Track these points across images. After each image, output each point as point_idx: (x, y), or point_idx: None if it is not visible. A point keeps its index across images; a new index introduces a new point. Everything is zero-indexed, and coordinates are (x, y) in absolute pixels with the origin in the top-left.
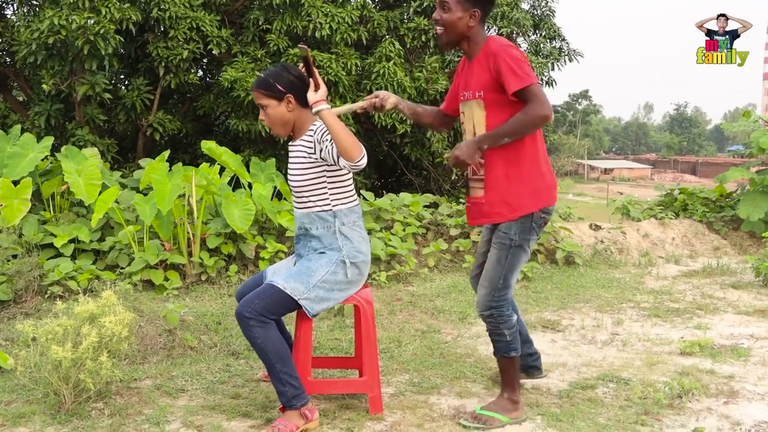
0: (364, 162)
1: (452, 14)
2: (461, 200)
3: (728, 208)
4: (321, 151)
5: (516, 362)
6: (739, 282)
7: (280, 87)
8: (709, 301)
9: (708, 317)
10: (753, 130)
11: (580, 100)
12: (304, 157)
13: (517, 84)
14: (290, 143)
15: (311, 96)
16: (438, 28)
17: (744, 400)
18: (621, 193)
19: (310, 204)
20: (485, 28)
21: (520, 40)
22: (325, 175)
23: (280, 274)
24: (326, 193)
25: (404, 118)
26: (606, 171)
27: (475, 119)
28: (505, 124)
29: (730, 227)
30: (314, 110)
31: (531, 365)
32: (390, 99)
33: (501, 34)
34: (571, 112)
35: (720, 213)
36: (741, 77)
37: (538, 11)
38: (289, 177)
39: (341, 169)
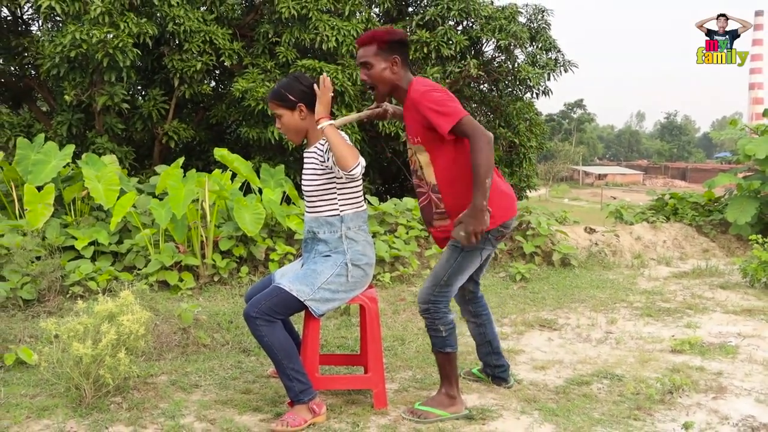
0: (357, 171)
1: (375, 69)
2: None
3: (716, 212)
4: (328, 159)
5: (452, 358)
6: (727, 283)
7: (292, 97)
8: (698, 301)
9: (697, 316)
10: (740, 137)
11: (575, 109)
12: (316, 165)
13: (448, 124)
14: (305, 150)
15: (317, 112)
16: (368, 85)
17: (732, 395)
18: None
19: (320, 209)
20: (409, 71)
21: (517, 51)
22: (335, 182)
23: (287, 277)
24: (335, 198)
25: None
26: (600, 177)
27: (421, 161)
28: (475, 174)
29: (719, 230)
30: (318, 126)
31: (498, 375)
32: (390, 108)
33: (499, 47)
34: (567, 121)
35: (709, 217)
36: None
37: (535, 24)
38: (302, 183)
39: (351, 180)
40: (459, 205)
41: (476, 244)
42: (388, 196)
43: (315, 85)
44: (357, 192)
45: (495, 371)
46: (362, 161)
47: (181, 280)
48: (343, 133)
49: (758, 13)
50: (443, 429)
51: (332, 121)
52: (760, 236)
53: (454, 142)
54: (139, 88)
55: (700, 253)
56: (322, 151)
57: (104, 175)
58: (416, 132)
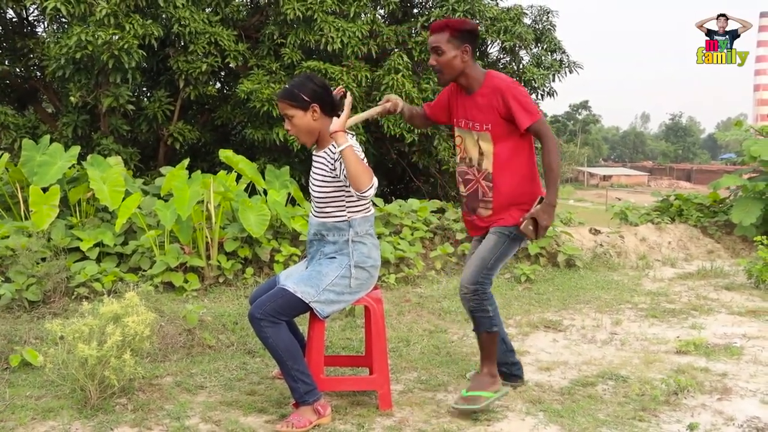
0: (371, 192)
1: (446, 56)
2: None
3: (721, 213)
4: (337, 169)
5: (496, 338)
6: (732, 284)
7: (305, 97)
8: (703, 302)
9: (702, 317)
10: (745, 138)
11: (580, 111)
12: (326, 171)
13: (529, 120)
14: (314, 152)
15: (333, 125)
16: (435, 70)
17: (737, 396)
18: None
19: (329, 214)
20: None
21: (522, 52)
22: (344, 190)
23: (292, 278)
24: (344, 204)
25: (412, 127)
26: (605, 178)
27: (483, 148)
28: (549, 172)
29: (724, 231)
30: (338, 146)
31: (515, 374)
32: (399, 102)
33: (504, 48)
34: (572, 122)
35: (714, 218)
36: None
37: (540, 26)
38: (311, 186)
39: None
40: (508, 195)
41: (541, 238)
42: (393, 198)
43: (337, 95)
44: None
45: (512, 369)
46: (375, 182)
47: (186, 281)
48: (359, 151)
49: (763, 15)
50: (448, 430)
51: (350, 139)
52: (765, 237)
53: (520, 137)
54: (145, 89)
55: (705, 254)
56: (333, 159)
57: (109, 177)
58: (488, 119)
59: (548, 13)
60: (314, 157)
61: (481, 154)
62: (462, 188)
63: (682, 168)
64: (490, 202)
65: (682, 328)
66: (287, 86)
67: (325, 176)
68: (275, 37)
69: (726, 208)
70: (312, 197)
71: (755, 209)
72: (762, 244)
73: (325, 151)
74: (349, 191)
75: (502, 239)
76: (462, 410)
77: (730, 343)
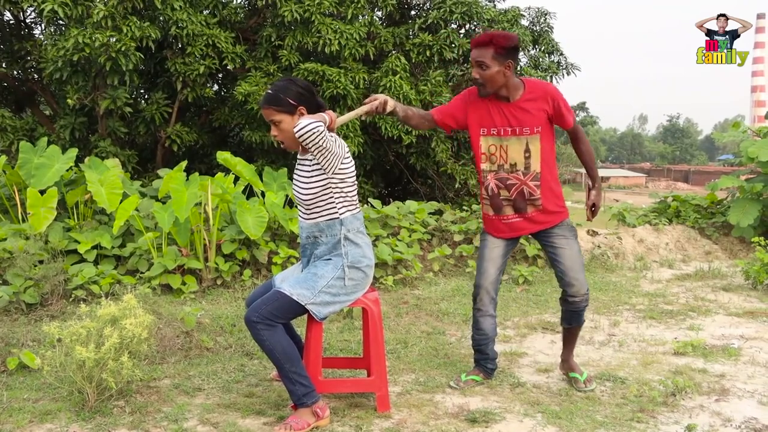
0: (305, 123)
1: (490, 70)
2: (464, 207)
3: (719, 214)
4: (315, 156)
5: None
6: (730, 285)
7: (291, 101)
8: (701, 303)
9: (700, 319)
10: (742, 140)
11: (577, 112)
12: (311, 168)
13: (573, 121)
14: (299, 156)
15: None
16: (479, 83)
17: (734, 397)
18: (617, 201)
19: (319, 213)
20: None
21: (520, 54)
22: (331, 186)
23: (288, 281)
24: (334, 201)
25: (409, 129)
26: (603, 179)
27: (531, 150)
28: (591, 161)
29: (721, 233)
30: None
31: (494, 368)
32: (389, 101)
33: None
34: None
35: (711, 219)
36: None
37: (537, 27)
38: (296, 189)
39: (344, 180)
40: (553, 189)
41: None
42: (391, 199)
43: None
44: (352, 194)
45: (495, 364)
46: (309, 123)
47: (183, 283)
48: (331, 138)
49: (760, 16)
50: (446, 431)
51: (338, 117)
52: (762, 239)
53: (551, 136)
54: (142, 91)
55: (702, 256)
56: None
57: (107, 179)
58: (539, 122)
59: (546, 15)
60: (299, 160)
61: (527, 156)
62: (505, 193)
63: (680, 169)
64: (539, 200)
65: (679, 329)
66: (270, 91)
67: (311, 174)
68: (273, 39)
69: (723, 209)
70: (299, 201)
71: (753, 210)
72: (759, 245)
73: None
74: (336, 186)
75: (574, 232)
76: (587, 391)
77: (728, 344)
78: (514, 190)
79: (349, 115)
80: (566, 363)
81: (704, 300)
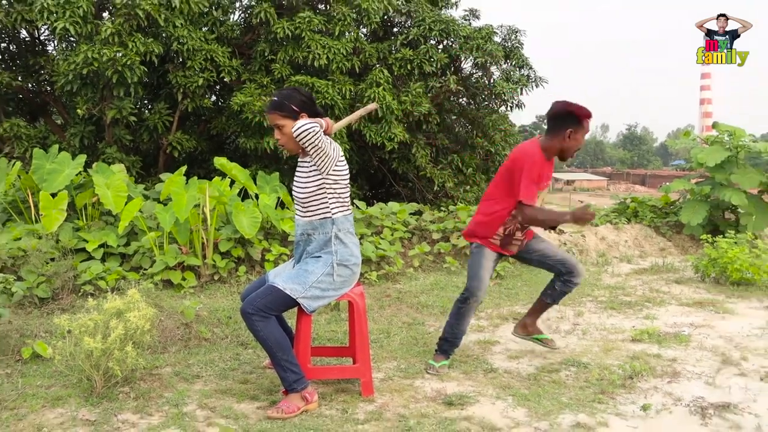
0: (301, 122)
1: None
2: (442, 208)
3: (672, 214)
4: (312, 158)
5: None
6: (681, 278)
7: (294, 107)
8: (656, 294)
9: (655, 309)
10: (692, 147)
11: (546, 121)
12: (309, 170)
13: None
14: (300, 159)
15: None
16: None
17: (684, 379)
18: (581, 202)
19: (314, 212)
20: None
21: (493, 68)
22: (325, 187)
23: (281, 276)
24: (327, 201)
25: (392, 136)
26: (568, 182)
27: (545, 200)
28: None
29: (674, 231)
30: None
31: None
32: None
33: (476, 64)
34: (538, 131)
35: (665, 219)
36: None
37: (509, 43)
38: (294, 188)
39: (337, 181)
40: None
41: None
42: (375, 201)
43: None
44: (345, 196)
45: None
46: (308, 123)
47: (183, 279)
48: (326, 140)
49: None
50: (425, 414)
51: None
52: (710, 236)
53: None
54: (146, 102)
55: (657, 252)
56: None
57: (113, 183)
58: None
59: (516, 32)
60: (299, 163)
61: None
62: (519, 235)
63: (638, 173)
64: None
65: (637, 318)
66: (275, 98)
67: (309, 175)
68: (266, 54)
69: (676, 209)
70: (296, 199)
71: (702, 211)
72: (707, 242)
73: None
74: (330, 188)
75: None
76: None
77: (680, 331)
78: (527, 233)
79: (348, 119)
80: (532, 327)
81: (659, 292)
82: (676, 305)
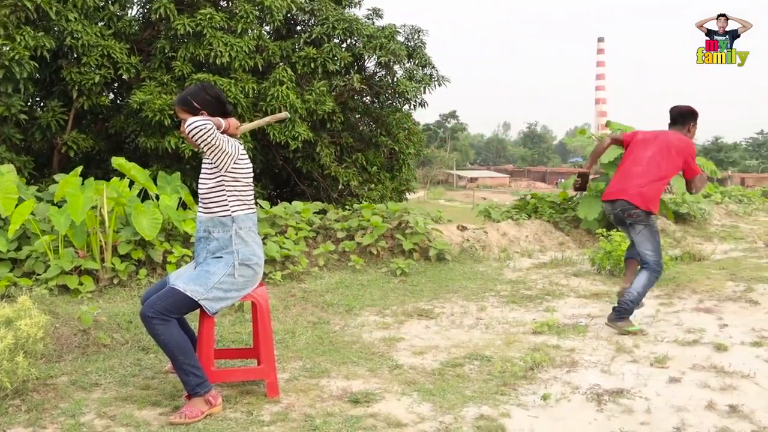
0: (192, 120)
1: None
2: (347, 207)
3: (570, 210)
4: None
5: None
6: (579, 271)
7: (195, 104)
8: (555, 287)
9: (555, 301)
10: (588, 144)
11: (449, 119)
12: (212, 166)
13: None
14: (204, 155)
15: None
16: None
17: (582, 368)
18: (484, 199)
19: (213, 209)
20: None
21: (396, 67)
22: (224, 184)
23: (182, 278)
24: (226, 199)
25: (296, 135)
26: (472, 180)
27: None
28: None
29: (572, 225)
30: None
31: None
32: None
33: (380, 63)
34: (442, 130)
35: (564, 214)
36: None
37: (412, 43)
38: (199, 184)
39: (237, 179)
40: None
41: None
42: (279, 200)
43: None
44: (248, 195)
45: None
46: (197, 121)
47: (81, 283)
48: (221, 138)
49: (600, 40)
50: (331, 413)
51: (242, 125)
52: (605, 230)
53: None
54: (38, 99)
55: (556, 246)
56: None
57: (2, 184)
58: None
59: (419, 32)
60: (203, 159)
61: None
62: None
63: (538, 170)
64: None
65: (537, 311)
66: (182, 93)
67: (210, 171)
68: (166, 51)
69: (574, 205)
70: (199, 195)
71: (597, 206)
72: (602, 236)
73: None
74: (229, 185)
75: None
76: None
77: (578, 322)
78: None
79: (255, 123)
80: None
81: (558, 285)
82: (574, 297)
